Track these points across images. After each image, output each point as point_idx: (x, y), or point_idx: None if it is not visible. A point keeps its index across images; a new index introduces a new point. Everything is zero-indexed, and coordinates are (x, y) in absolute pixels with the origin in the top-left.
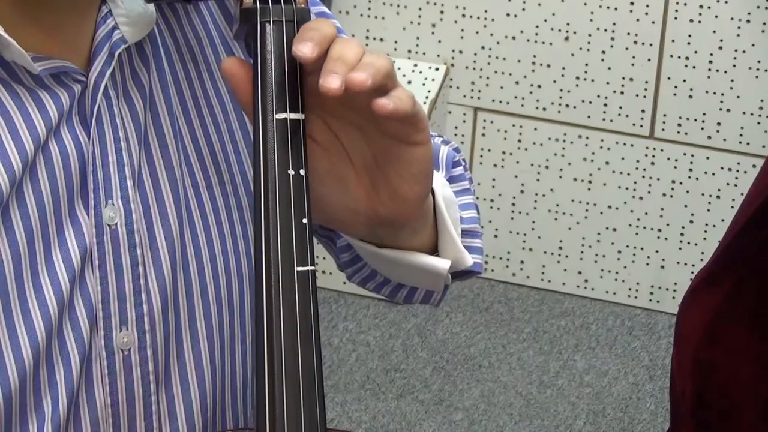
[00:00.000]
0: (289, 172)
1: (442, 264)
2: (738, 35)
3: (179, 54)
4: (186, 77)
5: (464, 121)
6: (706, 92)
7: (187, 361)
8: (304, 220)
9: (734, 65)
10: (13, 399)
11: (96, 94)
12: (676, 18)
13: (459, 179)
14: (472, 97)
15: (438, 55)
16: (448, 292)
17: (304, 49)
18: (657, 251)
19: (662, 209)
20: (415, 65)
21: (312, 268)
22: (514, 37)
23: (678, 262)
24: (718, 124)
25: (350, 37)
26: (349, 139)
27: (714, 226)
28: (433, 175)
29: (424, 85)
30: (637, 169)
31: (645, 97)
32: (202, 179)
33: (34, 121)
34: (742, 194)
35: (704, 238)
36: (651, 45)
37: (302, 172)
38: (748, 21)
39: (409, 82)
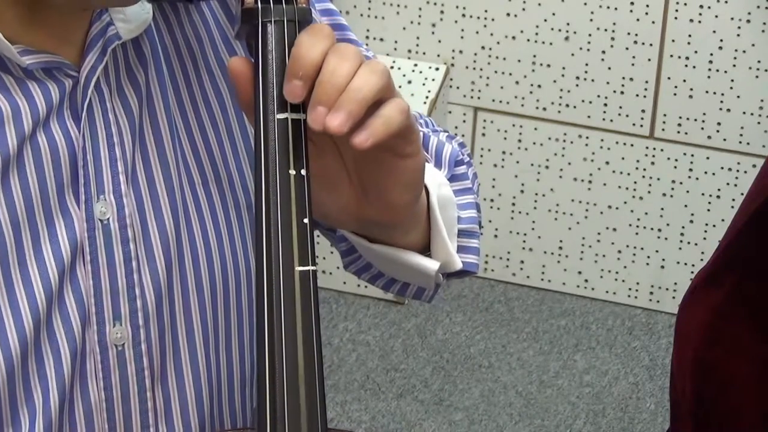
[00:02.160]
0: (290, 171)
1: (431, 264)
2: (738, 35)
3: (178, 53)
4: (184, 76)
5: (464, 121)
6: (706, 92)
7: (182, 357)
8: (305, 220)
9: (734, 65)
10: (1, 389)
11: (87, 89)
12: (676, 18)
13: (461, 178)
14: (472, 97)
15: (438, 55)
16: (448, 292)
17: (295, 90)
18: (657, 251)
19: (662, 209)
20: (415, 65)
21: (313, 267)
22: (514, 37)
23: (678, 262)
24: (718, 124)
25: (351, 37)
26: (344, 142)
27: (714, 226)
28: (425, 180)
29: (424, 85)
30: (637, 169)
31: (645, 97)
32: (198, 177)
33: (21, 113)
34: (742, 194)
35: (704, 238)
36: (651, 45)
37: (303, 171)
38: (748, 21)
39: (409, 82)
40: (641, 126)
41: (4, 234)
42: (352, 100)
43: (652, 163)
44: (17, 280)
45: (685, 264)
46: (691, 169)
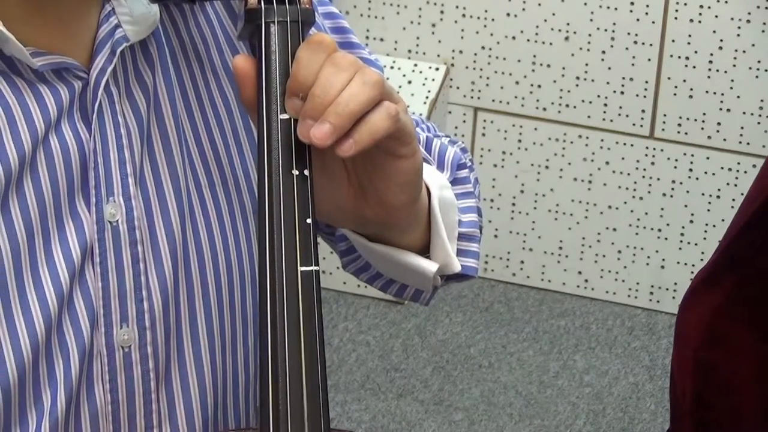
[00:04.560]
0: (293, 172)
1: (429, 266)
2: (738, 35)
3: (184, 54)
4: (191, 78)
5: (464, 121)
6: (706, 92)
7: (187, 359)
8: (308, 220)
9: (734, 65)
10: (12, 393)
11: (97, 91)
12: (676, 18)
13: (463, 182)
14: (472, 97)
15: (438, 55)
16: (448, 291)
17: (295, 108)
18: (657, 251)
19: (662, 209)
20: (415, 65)
21: (316, 268)
22: (514, 37)
23: (678, 262)
24: (718, 124)
25: (353, 40)
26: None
27: (714, 226)
28: (427, 182)
29: (424, 85)
30: (637, 169)
31: (645, 97)
32: (204, 179)
33: (33, 115)
34: (742, 194)
35: (704, 238)
36: (651, 45)
37: (306, 172)
38: (748, 21)
39: (409, 82)
40: (641, 126)
41: (18, 239)
42: (337, 113)
43: (652, 163)
44: (29, 284)
45: (685, 264)
46: (691, 169)
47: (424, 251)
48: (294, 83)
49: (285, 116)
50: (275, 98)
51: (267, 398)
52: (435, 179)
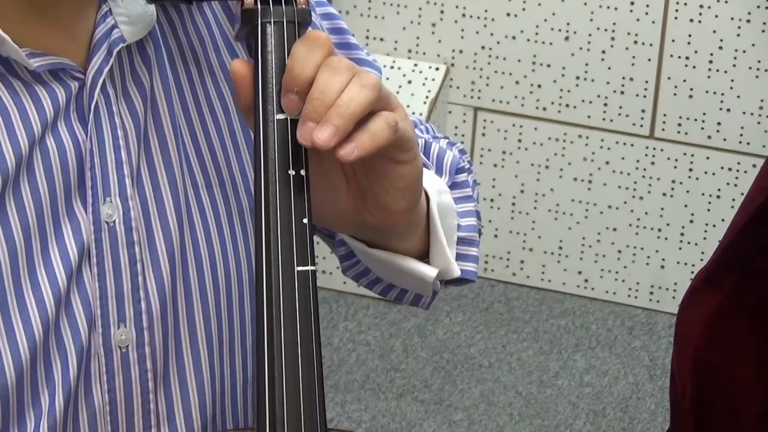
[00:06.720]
0: (289, 172)
1: (428, 271)
2: (738, 35)
3: (182, 55)
4: (188, 78)
5: (464, 121)
6: (706, 92)
7: (185, 360)
8: (305, 220)
9: (734, 65)
10: (10, 395)
11: (93, 91)
12: (676, 18)
13: (461, 186)
14: (472, 97)
15: (438, 55)
16: (448, 291)
17: (291, 104)
18: (657, 251)
19: (662, 209)
20: (415, 65)
21: (312, 267)
22: (514, 37)
23: (678, 262)
24: (718, 124)
25: (351, 41)
26: None
27: (714, 226)
28: (425, 187)
29: (424, 85)
30: (637, 169)
31: (645, 97)
32: (201, 180)
33: (30, 116)
34: (742, 194)
35: (704, 238)
36: (651, 45)
37: (302, 172)
38: (748, 21)
39: (409, 82)
40: (641, 126)
41: (15, 241)
42: (339, 115)
43: (652, 163)
44: (26, 285)
45: (685, 264)
46: (691, 169)
47: (424, 256)
48: (289, 79)
49: (281, 116)
50: (271, 98)
51: (264, 398)
52: (433, 184)
